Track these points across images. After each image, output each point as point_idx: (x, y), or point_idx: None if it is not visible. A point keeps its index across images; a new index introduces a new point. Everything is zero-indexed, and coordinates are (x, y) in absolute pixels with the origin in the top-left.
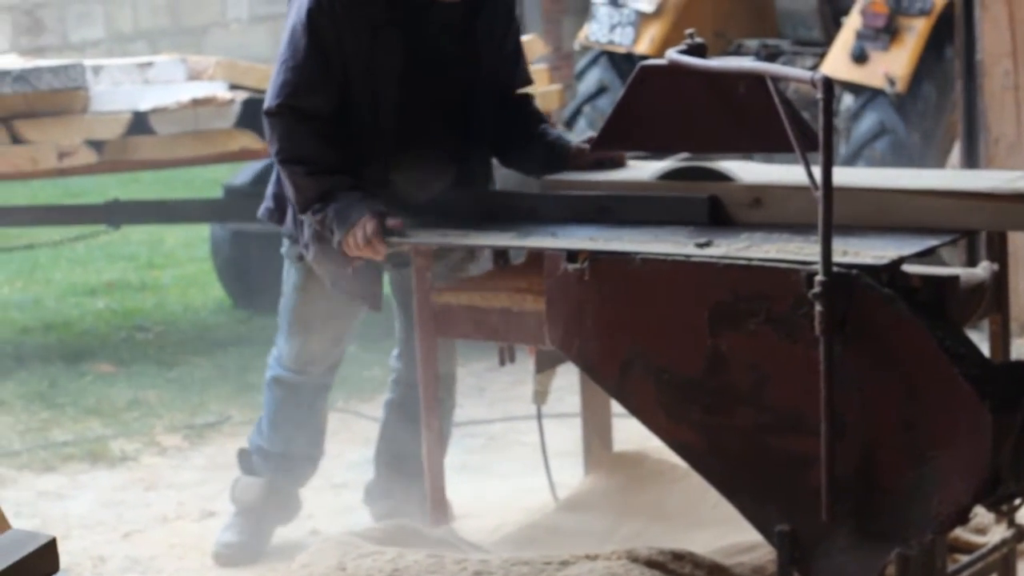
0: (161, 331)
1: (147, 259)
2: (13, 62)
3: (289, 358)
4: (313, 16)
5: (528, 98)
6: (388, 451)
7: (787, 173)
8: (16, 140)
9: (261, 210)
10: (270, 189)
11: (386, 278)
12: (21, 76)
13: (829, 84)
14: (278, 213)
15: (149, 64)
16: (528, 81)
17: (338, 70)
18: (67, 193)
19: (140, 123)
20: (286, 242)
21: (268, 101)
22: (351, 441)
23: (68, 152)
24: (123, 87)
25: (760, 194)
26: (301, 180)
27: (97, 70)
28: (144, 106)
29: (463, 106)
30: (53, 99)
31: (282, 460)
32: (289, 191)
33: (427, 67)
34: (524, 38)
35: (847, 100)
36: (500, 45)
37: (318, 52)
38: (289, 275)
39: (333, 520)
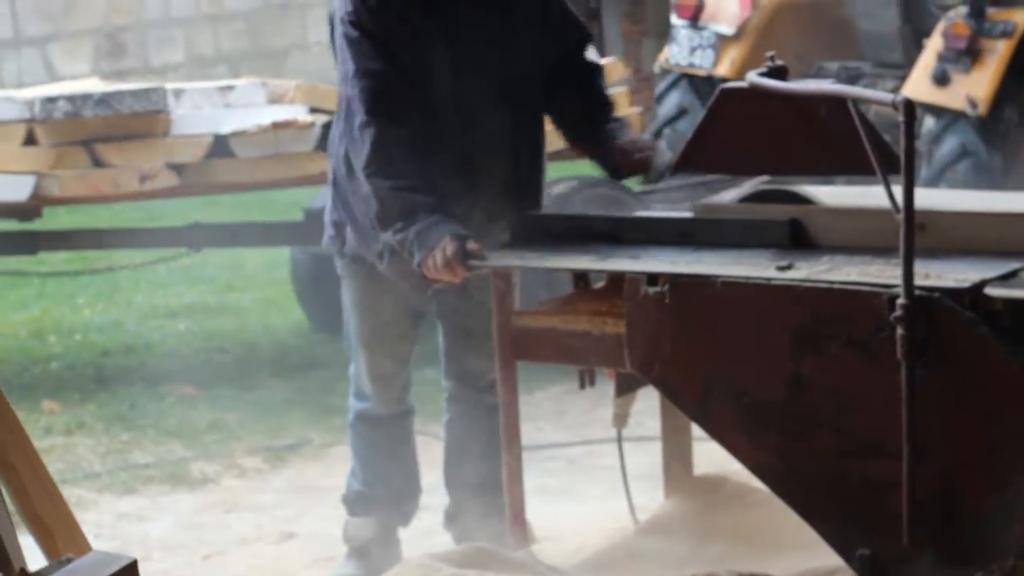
0: (241, 353)
1: (227, 282)
2: (95, 86)
3: (363, 383)
4: (357, 22)
5: (593, 73)
6: (455, 471)
7: (951, 198)
8: (98, 163)
9: (324, 239)
10: (329, 217)
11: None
12: (103, 100)
13: (911, 106)
14: (339, 241)
15: (230, 88)
16: (587, 36)
17: (402, 63)
18: (148, 216)
19: (221, 146)
20: (340, 263)
21: (359, 116)
22: (429, 464)
23: (149, 175)
24: (204, 111)
25: (925, 220)
26: (386, 195)
27: (178, 94)
28: (225, 129)
29: (518, 83)
30: (134, 123)
31: (386, 500)
32: (373, 206)
33: (472, 49)
34: (604, 61)
35: (928, 122)
36: (543, 10)
37: (380, 51)
38: (346, 296)
39: (413, 543)
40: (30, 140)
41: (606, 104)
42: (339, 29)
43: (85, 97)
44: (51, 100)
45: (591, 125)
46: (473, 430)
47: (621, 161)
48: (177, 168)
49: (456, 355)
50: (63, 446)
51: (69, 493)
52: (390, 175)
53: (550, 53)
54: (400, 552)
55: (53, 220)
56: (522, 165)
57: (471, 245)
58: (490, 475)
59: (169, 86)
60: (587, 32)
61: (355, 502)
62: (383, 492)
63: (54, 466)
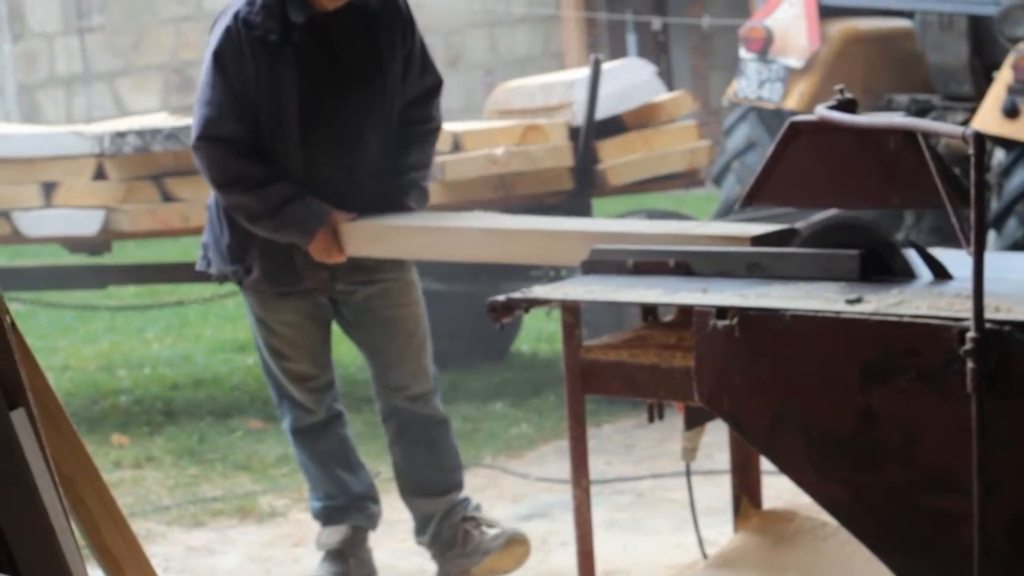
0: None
1: None
2: (164, 120)
3: (286, 393)
4: (218, 54)
5: (429, 134)
6: (408, 485)
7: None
8: (167, 198)
9: (198, 264)
10: (202, 240)
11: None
12: (172, 134)
13: (980, 139)
14: (206, 261)
15: None
16: (437, 81)
17: (248, 96)
18: None
19: None
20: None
21: (191, 139)
22: (499, 497)
23: None
24: None
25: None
26: (240, 199)
27: None
28: None
29: (376, 118)
30: None
31: (351, 507)
32: (238, 215)
33: (327, 81)
34: (672, 94)
35: (999, 155)
36: (407, 58)
37: (225, 84)
38: (249, 315)
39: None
40: (100, 175)
41: (423, 168)
42: (207, 52)
43: (154, 132)
44: (120, 135)
45: (397, 181)
46: (414, 441)
47: None
48: None
49: (376, 374)
50: (132, 479)
51: (138, 526)
52: (236, 180)
53: (407, 91)
54: (372, 557)
55: (122, 254)
56: (361, 185)
57: (347, 216)
58: (441, 480)
59: None
60: (440, 80)
61: (324, 517)
62: (345, 500)
63: (123, 499)
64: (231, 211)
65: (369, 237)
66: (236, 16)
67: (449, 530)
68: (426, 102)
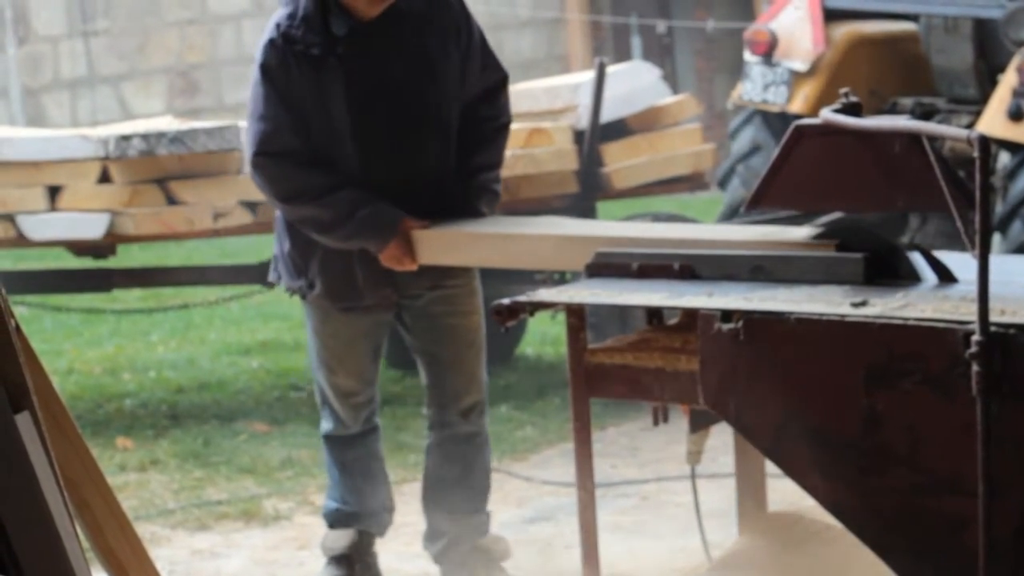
0: (314, 390)
1: (301, 319)
2: (169, 124)
3: (329, 403)
4: (265, 67)
5: (499, 132)
6: (432, 493)
7: None
8: (172, 201)
9: (270, 274)
10: (273, 251)
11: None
12: (177, 138)
13: (985, 142)
14: (276, 273)
15: None
16: (502, 76)
17: (298, 109)
18: (222, 253)
19: None
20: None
21: (247, 157)
22: (504, 500)
23: (223, 213)
24: None
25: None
26: (307, 210)
27: None
28: None
29: (432, 123)
30: (208, 160)
31: (362, 514)
32: (306, 228)
33: (376, 92)
34: (677, 98)
35: (1003, 158)
36: (464, 57)
37: (276, 98)
38: (307, 323)
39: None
40: (105, 178)
41: (493, 169)
42: (254, 67)
43: (159, 135)
44: (125, 138)
45: (466, 183)
46: (451, 456)
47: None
48: (250, 206)
49: (432, 382)
50: (137, 482)
51: (143, 529)
52: (300, 191)
53: (468, 88)
54: (377, 562)
55: (127, 258)
56: (423, 193)
57: (417, 223)
58: (466, 500)
59: (242, 124)
60: (505, 75)
61: (334, 519)
62: (359, 508)
63: (128, 502)
64: (299, 225)
65: (442, 245)
66: (278, 28)
67: (457, 556)
68: (492, 98)
